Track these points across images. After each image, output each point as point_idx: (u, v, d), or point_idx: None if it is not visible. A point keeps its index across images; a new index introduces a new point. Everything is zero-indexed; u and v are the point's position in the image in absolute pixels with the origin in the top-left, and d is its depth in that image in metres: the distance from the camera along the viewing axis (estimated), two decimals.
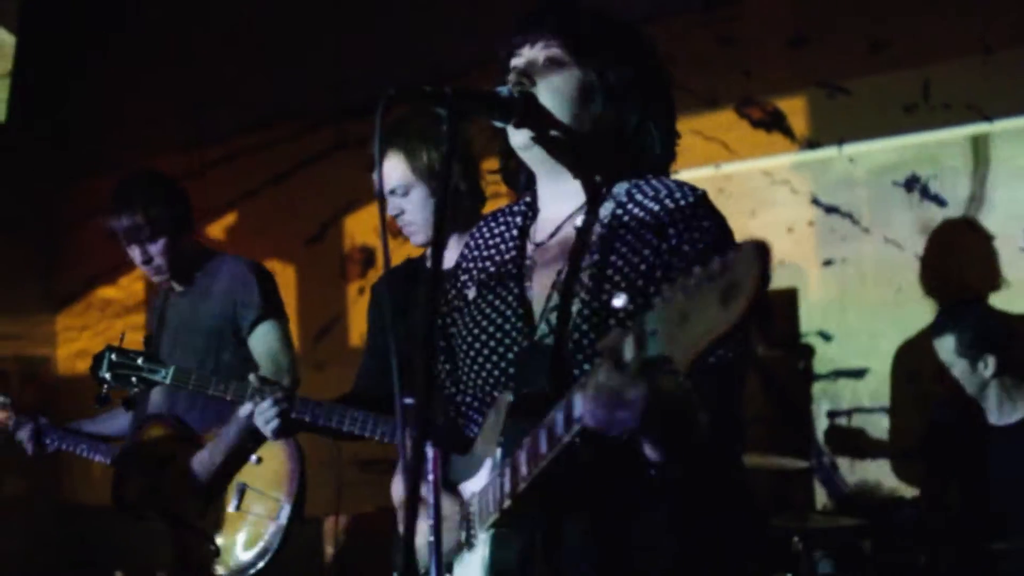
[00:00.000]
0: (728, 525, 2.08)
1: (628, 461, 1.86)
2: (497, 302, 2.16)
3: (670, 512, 1.99)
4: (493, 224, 2.31)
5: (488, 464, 2.02)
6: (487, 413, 2.10)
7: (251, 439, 3.86)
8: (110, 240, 4.24)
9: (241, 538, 3.90)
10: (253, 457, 3.93)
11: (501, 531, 1.97)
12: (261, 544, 3.87)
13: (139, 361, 3.78)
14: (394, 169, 3.30)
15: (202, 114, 6.88)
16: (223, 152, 7.27)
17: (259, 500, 3.90)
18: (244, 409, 3.30)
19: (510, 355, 2.10)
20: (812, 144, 5.15)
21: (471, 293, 2.24)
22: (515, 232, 2.24)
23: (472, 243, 2.32)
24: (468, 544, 2.05)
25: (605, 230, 2.08)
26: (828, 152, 5.10)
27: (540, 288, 2.12)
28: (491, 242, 2.28)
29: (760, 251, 1.39)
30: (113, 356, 3.81)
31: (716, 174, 5.27)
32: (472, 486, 2.07)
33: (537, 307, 2.10)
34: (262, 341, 4.02)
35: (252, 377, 3.35)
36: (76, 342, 8.18)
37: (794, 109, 5.22)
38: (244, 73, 6.31)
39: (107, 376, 3.80)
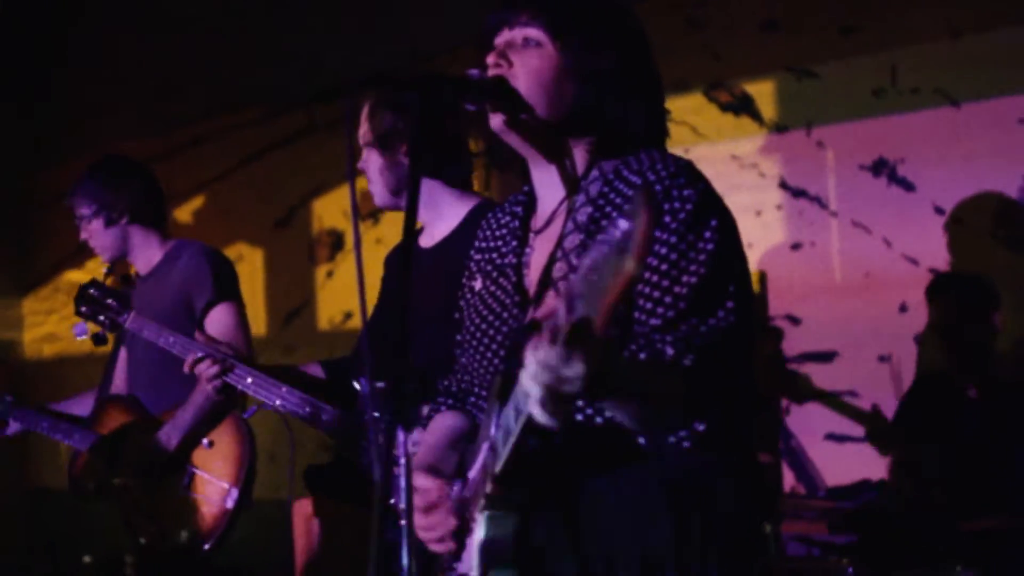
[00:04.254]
0: (731, 500, 2.01)
1: (619, 434, 1.85)
2: (498, 291, 2.19)
3: (667, 484, 1.95)
4: (501, 215, 2.33)
5: (485, 448, 2.01)
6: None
7: (206, 422, 3.91)
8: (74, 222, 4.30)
9: (188, 520, 3.90)
10: (205, 441, 3.93)
11: (495, 512, 1.96)
12: (208, 527, 3.87)
13: (108, 300, 4.00)
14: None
15: (170, 97, 6.83)
16: (191, 135, 7.23)
17: (208, 484, 3.91)
18: (196, 351, 3.54)
19: (508, 342, 2.11)
20: (780, 128, 5.17)
21: (477, 284, 2.27)
22: (517, 223, 2.25)
23: (481, 234, 2.35)
24: (468, 528, 2.05)
25: (592, 208, 2.07)
26: (796, 136, 5.12)
27: (536, 274, 2.13)
28: (497, 233, 2.30)
29: (647, 196, 1.40)
30: (92, 290, 4.05)
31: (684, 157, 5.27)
32: (474, 471, 2.08)
33: (532, 292, 2.11)
34: (216, 323, 4.00)
35: (197, 334, 3.60)
36: (43, 326, 8.13)
37: (762, 93, 5.23)
38: (213, 56, 6.27)
39: (83, 308, 4.02)
